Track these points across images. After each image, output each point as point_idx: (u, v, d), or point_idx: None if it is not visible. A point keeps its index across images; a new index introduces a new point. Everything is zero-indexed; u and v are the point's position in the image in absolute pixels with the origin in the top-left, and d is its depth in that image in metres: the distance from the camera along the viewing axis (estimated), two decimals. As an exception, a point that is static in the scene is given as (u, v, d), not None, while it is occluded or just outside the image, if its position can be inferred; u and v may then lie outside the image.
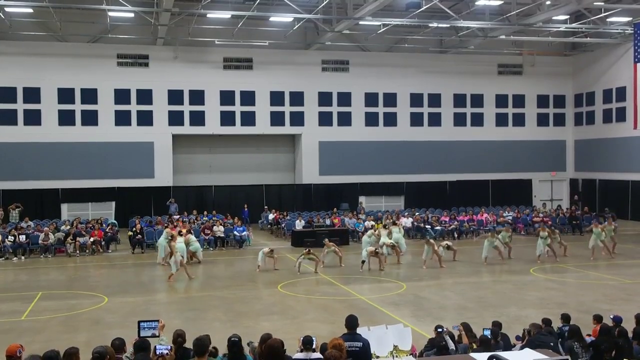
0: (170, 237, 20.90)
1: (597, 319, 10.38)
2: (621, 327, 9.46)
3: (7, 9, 27.62)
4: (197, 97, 33.45)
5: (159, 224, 26.75)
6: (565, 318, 10.40)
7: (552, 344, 8.69)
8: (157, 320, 8.40)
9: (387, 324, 9.54)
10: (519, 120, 37.95)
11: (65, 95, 31.75)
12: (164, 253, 21.73)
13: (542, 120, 38.34)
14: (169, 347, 7.61)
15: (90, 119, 32.07)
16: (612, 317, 10.17)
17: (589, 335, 9.84)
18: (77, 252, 24.20)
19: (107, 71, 32.16)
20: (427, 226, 28.18)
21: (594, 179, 36.83)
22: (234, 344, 7.62)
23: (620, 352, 8.82)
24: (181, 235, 21.51)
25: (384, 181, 35.56)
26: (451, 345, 8.96)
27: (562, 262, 21.49)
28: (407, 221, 28.69)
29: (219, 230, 26.17)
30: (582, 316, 12.15)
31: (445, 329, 9.42)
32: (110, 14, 28.70)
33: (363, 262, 20.38)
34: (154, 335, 8.17)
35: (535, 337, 8.95)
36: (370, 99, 35.68)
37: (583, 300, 15.77)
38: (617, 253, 23.07)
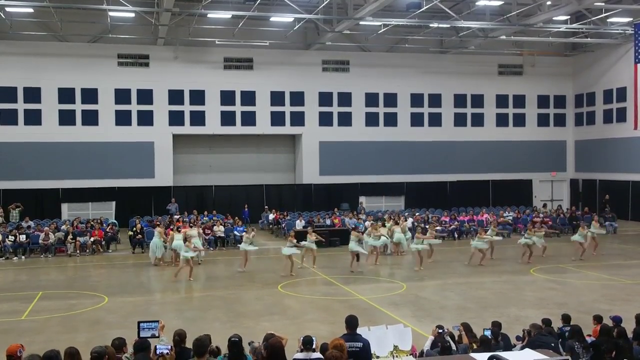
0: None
1: (597, 319, 10.37)
2: (620, 328, 9.46)
3: (7, 9, 27.64)
4: (198, 97, 33.46)
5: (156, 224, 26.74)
6: (566, 318, 10.39)
7: (552, 344, 8.69)
8: (157, 321, 8.40)
9: (387, 324, 9.56)
10: (520, 121, 37.96)
11: (66, 95, 31.76)
12: (160, 253, 21.77)
13: (543, 121, 38.34)
14: (169, 347, 7.62)
15: (90, 118, 32.08)
16: (611, 317, 10.16)
17: (589, 335, 9.84)
18: (78, 252, 24.21)
19: (107, 71, 32.17)
20: (427, 226, 28.09)
21: (594, 180, 36.83)
22: (234, 344, 7.63)
23: (620, 352, 8.81)
24: (179, 231, 21.62)
25: (384, 181, 35.56)
26: (453, 347, 8.97)
27: (561, 263, 21.48)
28: (407, 221, 28.62)
29: (219, 230, 26.17)
30: (581, 316, 12.14)
31: (445, 330, 9.42)
32: (111, 13, 28.72)
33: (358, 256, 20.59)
34: (153, 336, 8.17)
35: (536, 338, 8.94)
36: (371, 99, 35.68)
37: (583, 300, 15.77)
38: (595, 254, 22.78)
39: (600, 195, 36.00)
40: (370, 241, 22.04)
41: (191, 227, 22.96)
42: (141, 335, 8.07)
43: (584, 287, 17.69)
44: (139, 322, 8.29)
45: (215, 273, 20.51)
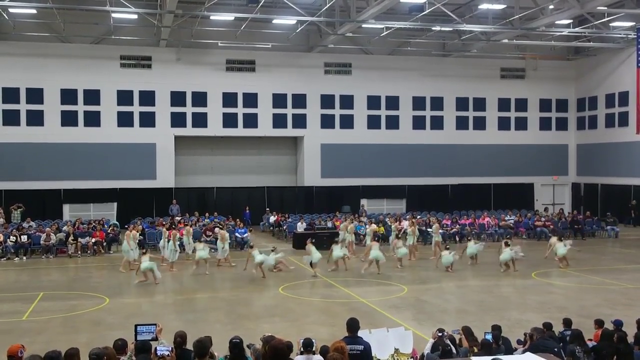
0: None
1: (599, 323, 10.37)
2: (621, 332, 9.45)
3: (11, 10, 27.70)
4: (200, 98, 33.48)
5: (159, 225, 26.80)
6: (567, 322, 10.38)
7: (555, 349, 8.68)
8: (155, 324, 8.32)
9: (388, 327, 9.56)
10: (522, 124, 37.93)
11: (68, 96, 31.80)
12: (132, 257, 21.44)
13: (545, 124, 38.32)
14: (170, 349, 7.62)
15: (92, 120, 32.12)
16: (612, 321, 10.16)
17: (590, 339, 9.83)
18: (79, 252, 24.22)
19: (109, 72, 32.21)
20: (428, 229, 28.12)
21: (596, 184, 36.78)
22: (235, 346, 7.63)
23: (621, 357, 8.80)
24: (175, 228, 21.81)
25: (386, 184, 35.55)
26: (454, 350, 8.95)
27: (563, 267, 21.44)
28: (407, 224, 28.62)
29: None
30: (583, 320, 12.13)
31: (445, 333, 9.41)
32: (114, 15, 28.77)
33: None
34: (152, 339, 8.14)
35: (539, 342, 8.93)
36: (373, 101, 35.69)
37: (584, 304, 15.75)
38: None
39: (602, 199, 36.00)
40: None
41: (173, 228, 23.24)
42: (138, 339, 8.04)
43: (585, 291, 17.66)
44: (136, 325, 8.25)
45: (216, 275, 20.50)
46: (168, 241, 21.92)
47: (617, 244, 28.15)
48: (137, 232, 23.78)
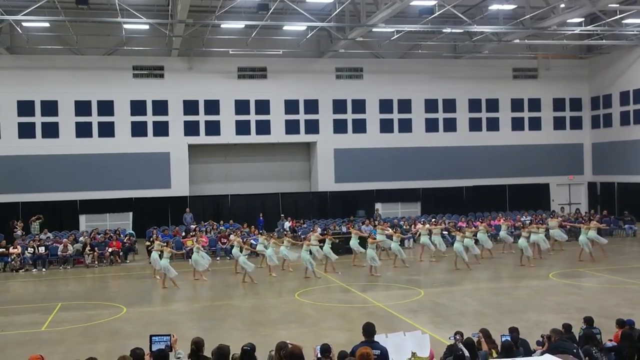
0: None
1: (620, 323, 10.25)
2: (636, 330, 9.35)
3: (24, 24, 28.03)
4: (212, 107, 33.63)
5: (175, 234, 26.93)
6: (588, 321, 10.27)
7: (574, 350, 8.60)
8: (170, 335, 8.27)
9: (405, 331, 9.51)
10: (535, 124, 37.70)
11: (82, 107, 32.07)
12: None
13: (559, 124, 38.05)
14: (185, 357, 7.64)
15: (106, 130, 32.36)
16: (625, 320, 10.06)
17: (611, 340, 9.73)
18: (96, 262, 24.40)
19: (123, 83, 32.46)
20: (444, 232, 27.96)
21: (613, 182, 36.42)
22: (246, 353, 7.64)
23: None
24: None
25: (400, 187, 35.46)
26: (466, 353, 8.84)
27: (579, 267, 21.24)
28: (420, 226, 28.47)
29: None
30: (603, 321, 11.98)
31: (458, 337, 9.27)
32: (126, 26, 28.98)
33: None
34: (167, 349, 8.13)
35: (558, 343, 8.84)
36: (385, 105, 35.65)
37: (603, 304, 15.57)
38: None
39: (619, 198, 35.61)
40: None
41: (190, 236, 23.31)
42: (153, 349, 8.03)
43: (604, 291, 17.49)
44: (151, 336, 8.25)
45: (231, 282, 20.54)
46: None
47: (635, 242, 27.85)
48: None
